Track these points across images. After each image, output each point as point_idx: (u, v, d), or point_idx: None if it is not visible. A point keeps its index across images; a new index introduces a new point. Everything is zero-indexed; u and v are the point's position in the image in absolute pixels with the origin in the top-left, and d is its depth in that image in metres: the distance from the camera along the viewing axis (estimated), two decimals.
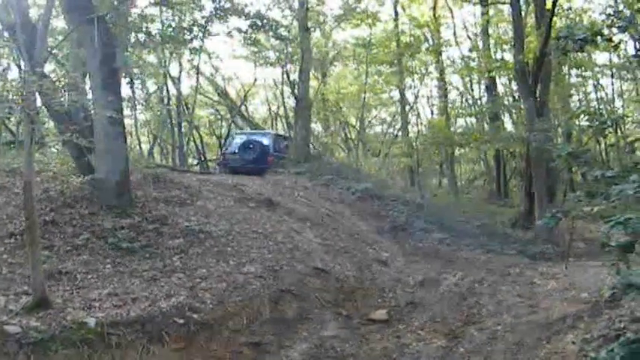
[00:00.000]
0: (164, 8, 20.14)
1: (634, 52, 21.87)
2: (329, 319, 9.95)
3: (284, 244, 12.20)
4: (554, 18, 19.67)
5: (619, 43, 11.29)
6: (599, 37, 9.47)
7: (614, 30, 9.95)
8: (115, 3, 12.90)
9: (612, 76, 32.67)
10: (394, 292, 11.54)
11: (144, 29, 16.44)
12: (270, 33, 19.24)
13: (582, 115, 23.90)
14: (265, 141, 22.93)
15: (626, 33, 10.95)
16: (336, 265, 12.16)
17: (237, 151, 22.22)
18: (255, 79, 34.60)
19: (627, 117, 27.25)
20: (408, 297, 11.24)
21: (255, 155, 21.68)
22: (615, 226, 6.33)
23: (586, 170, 10.12)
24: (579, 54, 20.86)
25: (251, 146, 21.96)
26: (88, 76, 12.74)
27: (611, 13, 9.89)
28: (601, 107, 30.84)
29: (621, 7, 11.20)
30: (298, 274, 10.89)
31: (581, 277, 10.84)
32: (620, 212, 6.74)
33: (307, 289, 10.57)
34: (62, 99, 10.13)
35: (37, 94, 8.75)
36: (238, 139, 23.45)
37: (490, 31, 30.21)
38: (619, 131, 27.60)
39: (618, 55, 28.83)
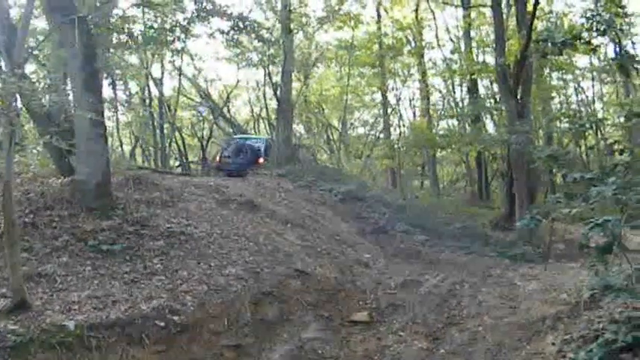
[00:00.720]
0: (146, 9, 20.04)
1: (614, 56, 22.06)
2: (310, 321, 9.95)
3: (265, 246, 12.18)
4: (535, 21, 19.80)
5: (597, 46, 11.43)
6: (578, 41, 9.58)
7: (594, 33, 10.07)
8: (97, 4, 12.82)
9: (593, 79, 32.98)
10: (375, 293, 11.53)
11: (126, 30, 16.33)
12: (253, 35, 19.18)
13: (562, 118, 24.11)
14: (257, 146, 23.66)
15: (605, 36, 11.08)
16: (318, 267, 12.15)
17: (230, 155, 22.65)
18: (238, 81, 34.54)
19: (607, 119, 27.49)
20: (389, 298, 11.23)
21: (247, 159, 22.26)
22: (594, 228, 6.40)
23: (566, 172, 10.22)
24: (560, 57, 21.04)
25: (243, 150, 22.57)
26: (69, 77, 12.65)
27: (591, 16, 9.99)
28: (581, 110, 31.16)
29: (601, 11, 11.31)
30: (279, 276, 10.87)
31: (561, 279, 10.91)
32: (598, 214, 6.81)
33: (288, 291, 10.56)
34: (42, 100, 10.07)
35: (17, 95, 8.68)
36: (234, 144, 23.77)
37: (472, 33, 30.40)
38: (599, 133, 27.84)
39: (599, 58, 29.14)
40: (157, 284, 9.41)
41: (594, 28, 9.68)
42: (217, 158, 23.72)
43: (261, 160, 22.88)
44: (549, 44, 10.12)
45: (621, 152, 9.76)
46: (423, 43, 33.05)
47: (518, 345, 8.23)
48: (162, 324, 8.30)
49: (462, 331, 9.24)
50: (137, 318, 8.19)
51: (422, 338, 9.26)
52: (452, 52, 31.95)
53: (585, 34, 10.18)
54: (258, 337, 9.11)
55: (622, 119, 25.23)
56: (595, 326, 7.35)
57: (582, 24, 10.06)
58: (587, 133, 25.24)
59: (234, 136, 28.62)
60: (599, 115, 28.77)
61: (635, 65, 11.01)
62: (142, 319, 8.19)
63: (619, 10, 10.91)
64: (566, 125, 21.60)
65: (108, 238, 10.61)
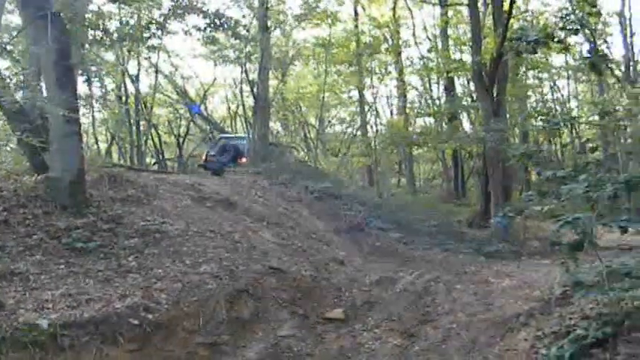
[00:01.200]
0: (122, 5, 19.94)
1: (586, 54, 22.31)
2: (285, 319, 9.94)
3: (241, 244, 12.14)
4: (512, 20, 19.93)
5: (569, 45, 11.55)
6: (551, 39, 9.67)
7: (568, 32, 10.17)
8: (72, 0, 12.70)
9: (568, 78, 33.35)
10: (351, 291, 11.54)
11: (101, 26, 16.22)
12: (229, 32, 19.13)
13: (537, 116, 24.34)
14: (241, 145, 24.60)
15: (578, 35, 11.22)
16: (293, 264, 12.14)
17: (215, 153, 23.12)
18: (215, 78, 34.51)
19: (580, 117, 27.80)
20: (364, 296, 11.25)
21: (230, 158, 22.97)
22: (564, 225, 6.47)
23: (539, 170, 10.32)
24: (536, 55, 21.22)
25: (227, 149, 23.20)
26: (43, 73, 12.52)
27: (564, 15, 10.10)
28: (556, 108, 31.49)
29: (574, 10, 11.46)
30: (255, 273, 10.83)
31: (534, 276, 11.00)
32: (569, 211, 6.88)
33: (264, 289, 10.52)
34: (15, 96, 9.95)
35: None
36: (220, 143, 24.38)
37: (449, 31, 30.59)
38: (574, 131, 28.14)
39: (574, 57, 29.45)
40: (132, 282, 9.33)
41: (567, 27, 9.78)
42: (204, 157, 23.99)
43: (244, 159, 23.71)
44: (523, 43, 10.20)
45: (593, 150, 9.89)
46: (401, 41, 33.20)
47: (491, 341, 8.30)
48: (137, 322, 8.22)
49: (437, 328, 9.29)
50: (111, 316, 8.10)
51: (397, 335, 9.31)
52: (429, 50, 32.17)
53: (560, 33, 10.28)
54: (234, 334, 9.08)
55: (596, 117, 25.60)
56: (567, 322, 7.42)
57: (555, 23, 10.18)
58: (561, 131, 25.52)
59: (221, 135, 28.88)
60: (574, 114, 29.13)
61: (608, 64, 11.12)
62: (116, 318, 8.11)
63: (592, 9, 11.03)
64: (541, 123, 21.81)
65: (82, 235, 10.48)
